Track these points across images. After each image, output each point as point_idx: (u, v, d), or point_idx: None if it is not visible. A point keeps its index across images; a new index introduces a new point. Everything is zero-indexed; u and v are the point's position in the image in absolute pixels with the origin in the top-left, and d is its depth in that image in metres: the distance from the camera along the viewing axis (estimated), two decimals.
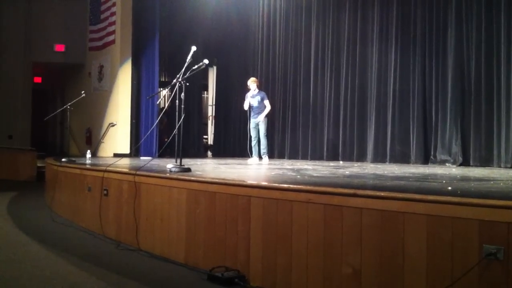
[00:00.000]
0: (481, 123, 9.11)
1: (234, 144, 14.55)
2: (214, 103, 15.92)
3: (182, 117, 5.86)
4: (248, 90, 10.52)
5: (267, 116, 10.41)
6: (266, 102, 10.27)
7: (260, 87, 10.76)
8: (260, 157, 10.30)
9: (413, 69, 10.27)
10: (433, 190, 4.06)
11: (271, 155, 10.35)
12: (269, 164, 9.63)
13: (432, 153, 9.93)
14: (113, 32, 14.32)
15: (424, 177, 5.79)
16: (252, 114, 10.36)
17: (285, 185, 4.18)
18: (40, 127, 16.62)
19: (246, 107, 10.38)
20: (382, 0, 10.89)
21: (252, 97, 10.30)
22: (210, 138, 16.17)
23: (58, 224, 7.31)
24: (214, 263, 4.52)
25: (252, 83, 10.40)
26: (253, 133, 10.41)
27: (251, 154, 10.43)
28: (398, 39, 10.54)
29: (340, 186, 4.18)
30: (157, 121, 11.08)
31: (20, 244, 5.96)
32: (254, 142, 10.39)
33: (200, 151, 14.52)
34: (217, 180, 4.80)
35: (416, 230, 3.24)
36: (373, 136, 10.78)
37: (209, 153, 15.49)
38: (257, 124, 10.27)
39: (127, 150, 13.39)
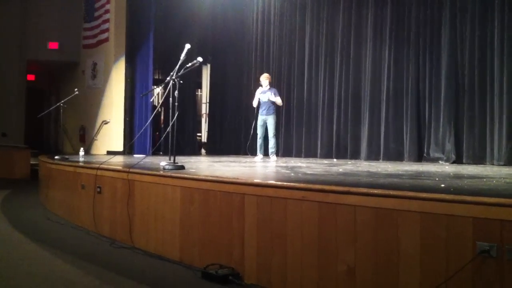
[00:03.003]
0: (474, 121, 9.16)
1: (228, 142, 14.53)
2: (208, 101, 15.90)
3: (176, 115, 5.86)
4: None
5: (277, 117, 10.31)
6: (278, 98, 10.09)
7: (272, 84, 10.55)
8: (265, 155, 10.18)
9: (407, 67, 10.30)
10: (426, 187, 4.08)
11: (265, 153, 10.31)
12: (274, 161, 9.59)
13: (425, 150, 9.96)
14: (107, 29, 14.28)
15: (418, 175, 5.81)
16: (260, 110, 10.12)
17: (279, 183, 4.19)
18: (34, 124, 16.58)
19: (255, 104, 10.15)
20: None
21: (263, 93, 10.07)
22: (203, 135, 16.16)
23: (52, 222, 7.30)
24: (209, 261, 4.52)
25: (264, 79, 10.13)
26: (259, 131, 10.16)
27: (257, 152, 10.29)
28: (392, 37, 10.55)
29: (334, 183, 4.19)
30: (151, 118, 11.04)
31: (14, 242, 5.95)
32: (260, 141, 10.15)
33: (194, 149, 14.51)
34: (211, 178, 4.81)
35: (410, 227, 3.26)
36: (367, 134, 10.80)
37: (203, 151, 15.48)
38: (265, 121, 10.05)
39: (120, 148, 13.37)
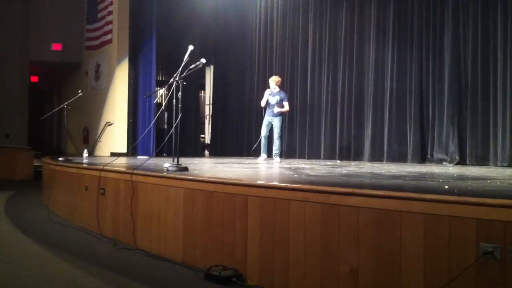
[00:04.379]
0: (477, 122, 9.14)
1: (231, 143, 14.54)
2: (211, 102, 15.90)
3: (179, 116, 5.87)
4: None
5: (283, 118, 10.28)
6: (285, 104, 9.97)
7: (282, 87, 10.50)
8: (269, 156, 10.17)
9: (410, 68, 10.28)
10: (430, 189, 4.07)
11: (268, 155, 10.27)
12: (277, 162, 9.57)
13: (429, 152, 9.95)
14: (110, 31, 14.29)
15: (421, 176, 5.81)
16: (268, 111, 10.06)
17: (282, 184, 4.19)
18: (37, 126, 16.60)
19: (263, 104, 10.06)
20: None
21: (272, 95, 10.01)
22: (207, 137, 16.16)
23: (56, 223, 7.30)
24: (212, 262, 4.52)
25: (272, 81, 10.09)
26: (263, 131, 10.08)
27: (260, 152, 10.27)
28: (395, 38, 10.55)
29: (337, 185, 4.18)
30: (154, 120, 11.03)
31: (17, 243, 5.96)
32: (263, 141, 10.09)
33: (197, 150, 14.51)
34: (214, 179, 4.81)
35: (413, 228, 3.25)
36: (370, 135, 10.79)
37: (206, 152, 15.48)
38: (270, 122, 10.00)
39: (124, 149, 13.38)
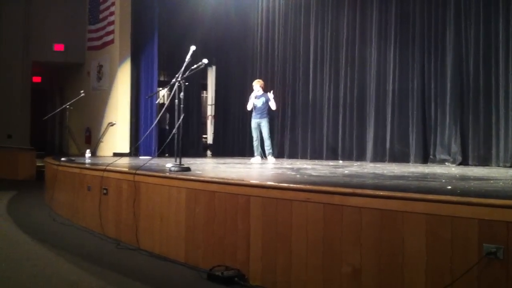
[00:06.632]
0: (480, 122, 9.11)
1: (233, 143, 14.55)
2: (213, 102, 15.92)
3: (182, 117, 5.87)
4: (251, 90, 10.52)
5: (270, 118, 10.56)
6: (272, 103, 10.25)
7: (265, 89, 10.69)
8: (264, 157, 10.30)
9: (412, 68, 10.26)
10: (432, 189, 4.07)
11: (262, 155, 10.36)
12: (273, 163, 9.63)
13: (431, 152, 9.92)
14: (112, 31, 14.32)
15: (424, 177, 5.80)
16: (254, 114, 10.38)
17: (285, 184, 4.19)
18: (40, 126, 16.62)
19: (249, 107, 10.41)
20: None
21: (256, 98, 10.30)
22: (209, 137, 16.17)
23: (58, 223, 7.31)
24: (214, 262, 4.53)
25: (256, 84, 10.39)
26: (254, 134, 10.41)
27: (254, 154, 10.45)
28: (397, 38, 10.52)
29: (339, 185, 4.18)
30: (156, 120, 11.05)
31: (20, 243, 5.97)
32: (256, 143, 10.39)
33: (199, 151, 14.52)
34: (216, 180, 4.81)
35: (416, 229, 3.25)
36: (372, 136, 10.77)
37: (208, 153, 15.49)
38: (259, 124, 10.29)
39: (126, 150, 13.39)
